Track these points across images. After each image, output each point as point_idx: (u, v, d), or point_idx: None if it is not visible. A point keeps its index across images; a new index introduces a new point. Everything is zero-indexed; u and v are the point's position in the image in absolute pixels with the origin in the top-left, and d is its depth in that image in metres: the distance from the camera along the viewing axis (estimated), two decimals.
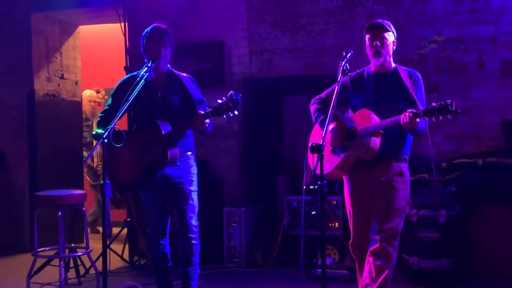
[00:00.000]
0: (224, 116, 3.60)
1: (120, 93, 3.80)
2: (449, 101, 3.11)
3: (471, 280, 4.72)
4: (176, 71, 3.99)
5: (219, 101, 3.60)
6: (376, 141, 3.46)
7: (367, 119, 3.49)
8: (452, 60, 5.39)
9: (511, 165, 4.82)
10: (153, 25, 3.92)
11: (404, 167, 3.58)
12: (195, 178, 3.98)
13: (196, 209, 3.95)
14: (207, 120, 3.71)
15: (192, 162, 3.98)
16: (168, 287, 4.05)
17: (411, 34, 5.47)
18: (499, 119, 5.25)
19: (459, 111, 3.11)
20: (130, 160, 3.85)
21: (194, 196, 3.95)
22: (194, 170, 3.98)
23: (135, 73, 3.90)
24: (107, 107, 3.96)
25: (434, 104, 3.17)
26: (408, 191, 3.60)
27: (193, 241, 3.91)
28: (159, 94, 3.89)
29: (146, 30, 3.90)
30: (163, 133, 3.75)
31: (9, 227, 6.56)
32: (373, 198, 3.59)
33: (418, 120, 3.27)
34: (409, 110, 3.26)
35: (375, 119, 3.46)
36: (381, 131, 3.43)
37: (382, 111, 3.47)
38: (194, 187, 3.95)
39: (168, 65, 3.97)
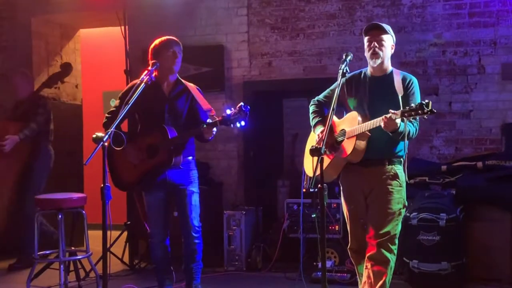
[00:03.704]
0: (232, 126, 3.80)
1: (127, 96, 3.96)
2: (425, 101, 3.09)
3: (471, 283, 4.71)
4: (184, 81, 4.19)
5: (228, 111, 3.80)
6: (361, 143, 3.45)
7: (354, 121, 3.50)
8: (452, 63, 5.39)
9: (510, 168, 4.82)
10: (164, 37, 4.11)
11: (399, 169, 3.54)
12: (196, 180, 4.19)
13: (198, 210, 4.16)
14: (214, 129, 3.90)
15: (193, 166, 4.19)
16: (169, 286, 4.25)
17: (411, 37, 5.47)
18: (498, 122, 5.25)
19: (435, 111, 3.09)
20: (134, 162, 4.07)
21: (196, 197, 4.16)
22: (195, 173, 4.20)
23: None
24: (114, 109, 4.12)
25: (413, 105, 3.17)
26: (404, 193, 3.56)
27: (196, 241, 4.14)
28: (167, 102, 4.08)
29: (156, 41, 4.09)
30: (170, 137, 3.94)
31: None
32: (368, 203, 3.58)
33: (398, 121, 3.23)
34: (389, 111, 3.25)
35: (362, 121, 3.46)
36: (368, 133, 3.42)
37: (375, 114, 3.43)
38: (195, 189, 4.16)
39: (177, 75, 4.16)
